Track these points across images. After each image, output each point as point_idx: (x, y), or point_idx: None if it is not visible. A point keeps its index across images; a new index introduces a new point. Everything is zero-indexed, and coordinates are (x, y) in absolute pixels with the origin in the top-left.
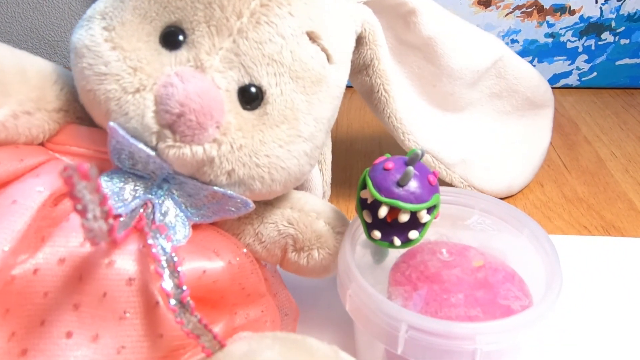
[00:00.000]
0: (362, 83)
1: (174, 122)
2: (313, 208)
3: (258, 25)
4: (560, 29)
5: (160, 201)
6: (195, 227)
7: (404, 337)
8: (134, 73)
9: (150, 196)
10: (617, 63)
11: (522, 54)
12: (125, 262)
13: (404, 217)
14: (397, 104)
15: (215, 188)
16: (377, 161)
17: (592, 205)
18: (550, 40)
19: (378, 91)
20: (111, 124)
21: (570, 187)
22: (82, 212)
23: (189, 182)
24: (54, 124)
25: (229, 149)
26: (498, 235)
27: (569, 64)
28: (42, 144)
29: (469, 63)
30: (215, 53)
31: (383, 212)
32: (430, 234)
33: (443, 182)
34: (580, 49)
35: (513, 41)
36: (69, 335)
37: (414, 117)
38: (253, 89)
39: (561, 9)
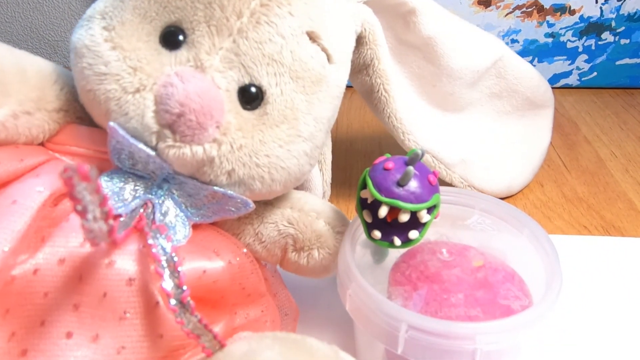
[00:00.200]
0: (362, 83)
1: (174, 122)
2: (313, 208)
3: (258, 25)
4: (560, 28)
5: (160, 201)
6: (195, 227)
7: (404, 337)
8: (133, 73)
9: (150, 196)
10: (617, 63)
11: (522, 54)
12: (125, 262)
13: (404, 217)
14: (397, 103)
15: (215, 188)
16: (377, 161)
17: (592, 205)
18: (550, 40)
19: (378, 91)
20: (111, 124)
21: (570, 187)
22: (82, 213)
23: (189, 182)
24: (54, 124)
25: (229, 148)
26: (498, 235)
27: (569, 64)
28: (42, 144)
29: (468, 63)
30: (215, 53)
31: (383, 212)
32: (430, 234)
33: (443, 182)
34: (580, 49)
35: (513, 41)
36: (69, 335)
37: (414, 117)
38: (253, 89)
39: (561, 9)
